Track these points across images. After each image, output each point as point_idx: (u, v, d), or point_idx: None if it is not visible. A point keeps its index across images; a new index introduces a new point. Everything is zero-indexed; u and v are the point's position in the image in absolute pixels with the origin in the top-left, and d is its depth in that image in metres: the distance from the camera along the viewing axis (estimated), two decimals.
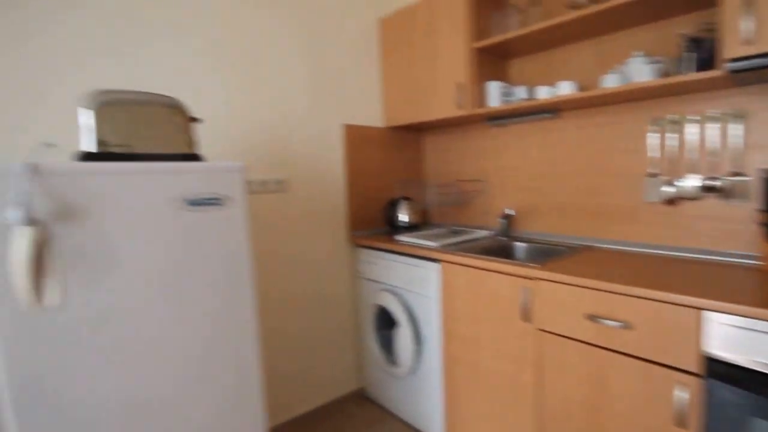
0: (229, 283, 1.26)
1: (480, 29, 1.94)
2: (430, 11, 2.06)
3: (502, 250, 2.00)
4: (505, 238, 2.06)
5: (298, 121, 2.08)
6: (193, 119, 1.28)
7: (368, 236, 2.28)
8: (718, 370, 1.08)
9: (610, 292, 1.27)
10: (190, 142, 1.27)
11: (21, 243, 0.88)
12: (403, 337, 1.97)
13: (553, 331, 1.43)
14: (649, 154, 1.67)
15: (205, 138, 1.77)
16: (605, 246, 1.81)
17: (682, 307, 1.13)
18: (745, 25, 1.18)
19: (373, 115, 2.40)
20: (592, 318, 1.31)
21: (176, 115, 1.24)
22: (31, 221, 0.91)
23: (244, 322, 1.31)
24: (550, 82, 1.96)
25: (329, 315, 2.25)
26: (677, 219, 1.62)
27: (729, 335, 1.06)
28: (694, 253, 1.57)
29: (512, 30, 1.84)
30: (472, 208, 2.40)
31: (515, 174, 2.15)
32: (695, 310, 1.11)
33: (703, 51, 1.40)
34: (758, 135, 1.42)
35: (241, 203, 1.27)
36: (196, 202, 1.18)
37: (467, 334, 1.73)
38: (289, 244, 2.08)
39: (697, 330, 1.12)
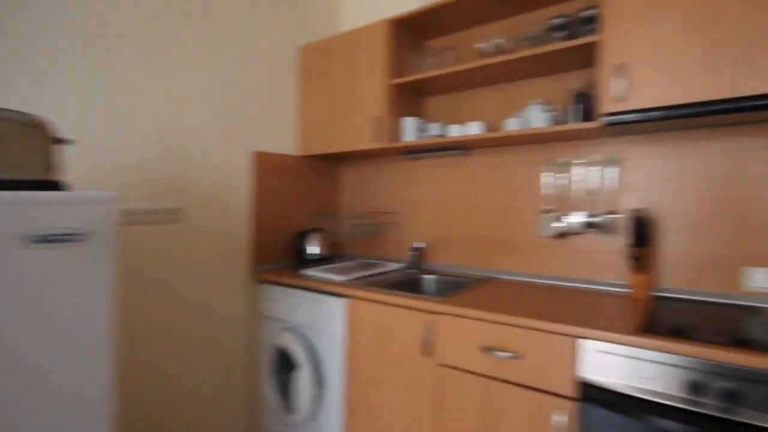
0: (79, 343, 1.00)
1: (398, 67, 2.00)
2: (352, 45, 2.08)
3: (410, 284, 1.99)
4: (415, 271, 2.05)
5: (203, 147, 1.86)
6: (59, 141, 1.12)
7: (273, 270, 2.08)
8: (591, 394, 1.13)
9: (502, 323, 1.29)
10: (49, 166, 1.10)
11: None
12: (303, 380, 1.79)
13: (452, 365, 1.41)
14: (544, 192, 1.80)
15: (89, 165, 1.51)
16: (509, 277, 1.88)
17: (559, 336, 1.18)
18: (616, 86, 1.34)
19: (288, 144, 2.28)
20: (488, 350, 1.31)
21: (32, 135, 1.08)
22: None
23: (95, 402, 1.03)
24: (463, 121, 2.06)
25: (221, 358, 1.95)
26: (566, 252, 1.73)
27: (600, 361, 1.11)
28: (580, 283, 1.68)
29: (428, 70, 1.92)
30: (385, 240, 2.38)
31: (428, 207, 2.20)
32: (570, 338, 1.16)
33: (587, 104, 1.56)
34: (629, 178, 1.59)
35: (107, 239, 1.04)
36: (45, 239, 1.00)
37: (371, 373, 1.63)
38: (180, 280, 1.78)
39: (572, 357, 1.16)
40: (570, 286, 1.69)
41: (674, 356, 1.01)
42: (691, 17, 1.21)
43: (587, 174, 1.68)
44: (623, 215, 1.58)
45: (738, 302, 1.36)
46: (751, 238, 1.36)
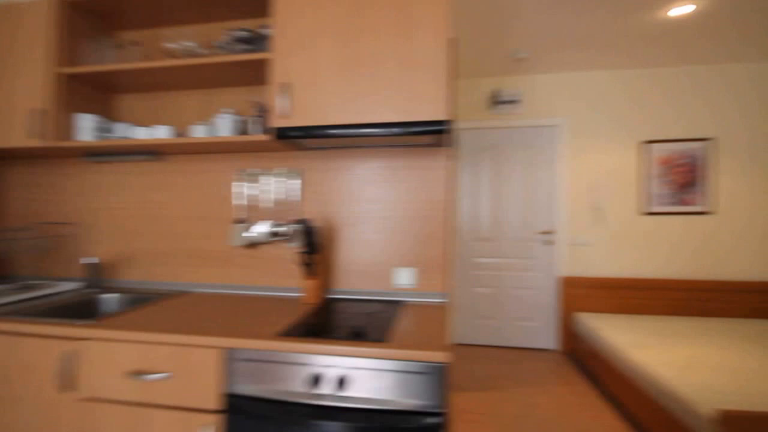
0: None
1: (72, 54, 1.63)
2: (10, 20, 1.61)
3: (80, 306, 1.60)
4: (93, 291, 1.69)
5: None
6: None
7: None
8: (236, 404, 1.09)
9: (150, 342, 1.14)
10: None
11: None
12: None
13: (99, 397, 1.17)
14: (236, 202, 1.76)
15: None
16: (202, 290, 1.75)
17: (205, 348, 1.11)
18: (282, 103, 1.42)
19: None
20: (136, 374, 1.13)
21: None
22: None
23: None
24: (163, 124, 1.84)
25: None
26: (256, 261, 1.73)
27: (244, 369, 1.10)
28: (268, 291, 1.71)
29: (110, 64, 1.63)
30: (59, 256, 1.88)
31: (115, 216, 1.85)
32: (215, 349, 1.10)
33: (267, 117, 1.62)
34: (308, 190, 1.73)
35: None
36: None
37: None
38: None
39: (216, 368, 1.11)
40: (258, 294, 1.69)
41: (301, 355, 1.07)
42: (339, 53, 1.41)
43: (274, 185, 1.74)
44: (300, 225, 1.70)
45: (389, 298, 1.66)
46: (395, 246, 1.69)
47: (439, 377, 1.01)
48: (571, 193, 3.50)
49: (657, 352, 2.37)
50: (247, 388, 1.09)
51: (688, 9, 2.41)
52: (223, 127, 1.63)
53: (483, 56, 3.14)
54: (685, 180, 3.30)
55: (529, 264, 3.61)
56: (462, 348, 3.63)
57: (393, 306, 1.51)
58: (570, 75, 3.49)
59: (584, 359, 3.11)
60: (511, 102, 3.51)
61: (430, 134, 1.33)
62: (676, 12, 2.44)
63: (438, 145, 1.58)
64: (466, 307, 3.71)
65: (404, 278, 1.65)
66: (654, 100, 3.37)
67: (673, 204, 3.32)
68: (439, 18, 1.31)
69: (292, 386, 1.07)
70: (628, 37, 2.79)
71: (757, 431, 1.54)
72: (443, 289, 1.62)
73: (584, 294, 3.44)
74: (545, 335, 3.58)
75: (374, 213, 1.67)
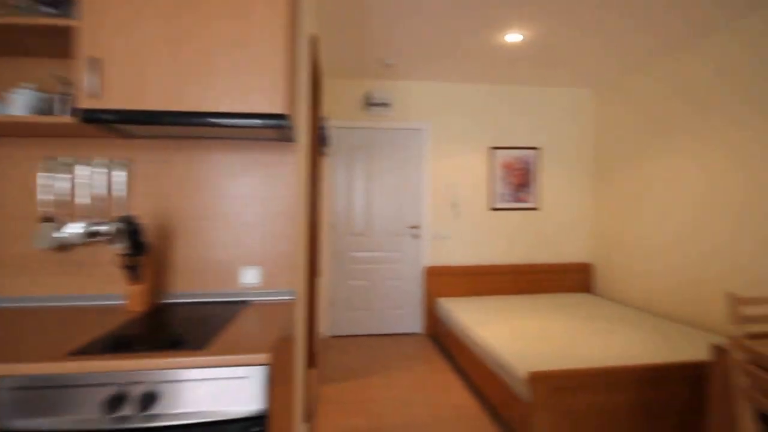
0: None
1: None
2: None
3: None
4: None
5: None
6: None
7: None
8: None
9: None
10: None
11: None
12: None
13: None
14: (43, 196, 1.46)
15: None
16: None
17: None
18: (91, 81, 1.21)
19: None
20: None
21: None
22: None
23: None
24: None
25: None
26: (70, 266, 1.46)
27: (15, 400, 0.90)
28: (84, 301, 1.44)
29: None
30: None
31: None
32: None
33: (76, 97, 1.36)
34: (139, 184, 1.52)
35: None
36: None
37: None
38: None
39: None
40: (70, 305, 1.42)
41: (97, 375, 0.92)
42: (163, 30, 1.25)
43: (95, 177, 1.49)
44: (123, 223, 1.50)
45: (234, 298, 1.56)
46: (243, 243, 1.60)
47: (263, 379, 0.99)
48: (434, 191, 3.82)
49: (493, 327, 2.74)
50: (20, 423, 0.90)
51: (518, 37, 2.81)
52: (20, 105, 1.33)
53: (356, 59, 3.19)
54: (520, 181, 3.88)
55: (399, 256, 3.83)
56: (337, 340, 3.68)
57: (235, 307, 1.43)
58: (433, 84, 3.79)
59: (442, 339, 3.43)
60: (382, 105, 3.65)
61: (268, 128, 1.28)
62: (510, 38, 2.83)
63: (285, 140, 1.54)
64: (342, 300, 3.77)
65: (251, 277, 1.58)
66: (499, 112, 3.87)
67: (512, 201, 3.87)
68: (279, 10, 1.26)
69: (86, 413, 0.92)
70: (478, 55, 3.14)
71: (555, 385, 1.88)
72: (292, 285, 1.60)
73: (444, 281, 3.80)
74: (412, 321, 3.85)
75: (220, 209, 1.56)
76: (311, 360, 2.68)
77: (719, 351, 1.52)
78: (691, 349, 2.29)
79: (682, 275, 2.97)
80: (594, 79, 3.71)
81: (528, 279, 3.89)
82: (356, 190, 3.75)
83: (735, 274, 2.58)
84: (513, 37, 2.80)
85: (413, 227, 3.82)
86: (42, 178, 1.45)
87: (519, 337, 2.52)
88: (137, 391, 0.93)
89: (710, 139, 2.74)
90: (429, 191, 3.80)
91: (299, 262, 1.66)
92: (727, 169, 2.64)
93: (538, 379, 1.86)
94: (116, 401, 0.91)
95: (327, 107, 3.67)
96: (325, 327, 3.75)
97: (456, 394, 2.60)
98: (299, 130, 1.67)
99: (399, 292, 3.83)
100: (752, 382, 1.19)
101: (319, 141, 2.94)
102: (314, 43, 2.19)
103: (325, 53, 3.10)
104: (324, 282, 3.73)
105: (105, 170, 1.49)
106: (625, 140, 3.54)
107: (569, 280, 3.95)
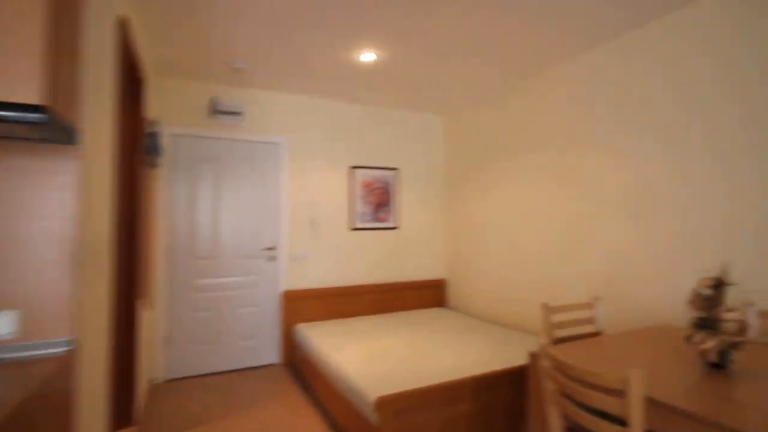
0: None
1: None
2: None
3: None
4: None
5: None
6: None
7: None
8: None
9: None
10: None
11: None
12: None
13: None
14: None
15: None
16: None
17: None
18: None
19: None
20: None
21: None
22: None
23: None
24: None
25: None
26: None
27: None
28: None
29: None
30: None
31: None
32: None
33: None
34: None
35: None
36: None
37: None
38: None
39: None
40: None
41: None
42: None
43: None
44: None
45: None
46: None
47: None
48: (292, 210, 3.62)
49: (349, 350, 2.65)
50: None
51: (371, 57, 2.88)
52: None
53: (199, 58, 2.83)
54: (380, 201, 3.98)
55: (253, 281, 3.48)
56: (176, 383, 3.10)
57: None
58: (290, 96, 3.64)
59: (300, 368, 3.20)
60: (233, 113, 3.33)
61: (16, 123, 0.93)
62: (365, 58, 2.88)
63: (56, 141, 1.17)
64: (182, 335, 3.22)
65: (2, 325, 1.14)
66: (359, 131, 3.93)
67: (373, 221, 3.93)
68: None
69: None
70: (334, 71, 3.12)
71: (400, 407, 1.85)
72: (69, 332, 1.20)
73: (304, 306, 3.59)
74: (269, 351, 3.52)
75: None
76: (126, 418, 2.16)
77: (533, 357, 1.69)
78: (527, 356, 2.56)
79: (521, 286, 3.39)
80: (443, 108, 4.08)
81: (388, 298, 3.97)
82: (202, 208, 3.30)
83: (580, 279, 3.04)
84: (367, 56, 2.85)
85: (269, 248, 3.53)
86: None
87: (373, 359, 2.48)
88: None
89: (545, 168, 3.22)
90: (286, 210, 3.59)
91: (83, 300, 1.28)
92: (557, 192, 3.12)
93: (384, 404, 1.81)
94: None
95: (163, 111, 3.17)
96: (159, 370, 3.13)
97: (310, 429, 2.39)
98: (86, 131, 1.32)
99: (253, 320, 3.47)
100: (555, 387, 1.31)
101: (149, 149, 2.48)
102: (124, 26, 1.82)
103: (158, 45, 2.67)
104: (158, 316, 3.13)
105: None
106: (471, 166, 3.95)
107: (426, 296, 4.17)
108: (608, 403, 1.12)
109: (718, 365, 1.34)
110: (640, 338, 1.82)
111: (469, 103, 3.88)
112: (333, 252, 3.78)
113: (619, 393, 1.16)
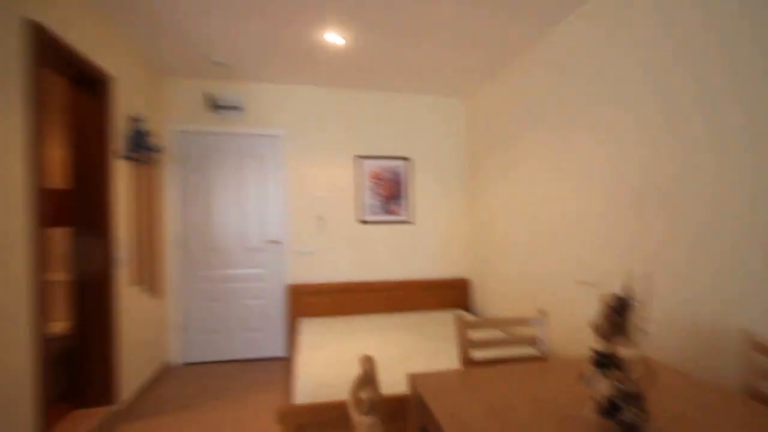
0: None
1: None
2: None
3: None
4: None
5: None
6: None
7: None
8: None
9: None
10: None
11: None
12: None
13: None
14: None
15: None
16: None
17: None
18: None
19: None
20: None
21: None
22: None
23: None
24: None
25: None
26: None
27: None
28: None
29: None
30: None
31: None
32: None
33: None
34: None
35: None
36: None
37: None
38: None
39: None
40: None
41: None
42: None
43: None
44: None
45: None
46: None
47: None
48: (296, 203, 3.56)
49: (323, 351, 2.46)
50: None
51: (340, 40, 2.64)
52: None
53: (185, 57, 2.93)
54: (389, 193, 3.69)
55: (259, 274, 3.51)
56: (190, 368, 3.28)
57: None
58: (288, 88, 3.57)
59: None
60: (234, 108, 3.40)
61: None
62: (331, 38, 2.65)
63: None
64: (195, 323, 3.40)
65: None
66: (364, 119, 3.69)
67: (383, 214, 3.67)
68: None
69: None
70: (319, 56, 2.95)
71: (300, 422, 1.61)
72: None
73: (310, 301, 3.51)
74: (275, 344, 3.52)
75: None
76: (106, 398, 2.31)
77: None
78: None
79: (558, 290, 2.82)
80: (456, 88, 3.62)
81: (402, 296, 3.67)
82: (210, 202, 3.44)
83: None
84: (331, 37, 2.63)
85: (274, 242, 3.52)
86: None
87: (336, 363, 2.26)
88: None
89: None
90: (291, 202, 3.54)
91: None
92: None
93: (286, 415, 1.59)
94: None
95: (166, 108, 3.35)
96: (173, 354, 3.35)
97: (270, 426, 2.28)
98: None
99: (260, 312, 3.51)
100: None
101: (133, 145, 2.62)
102: (38, 30, 1.77)
103: (143, 45, 2.81)
104: (170, 304, 3.34)
105: None
106: (489, 152, 3.43)
107: (447, 296, 3.77)
108: None
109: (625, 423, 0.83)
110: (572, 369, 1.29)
111: (479, 80, 3.36)
112: (340, 246, 3.63)
113: None
